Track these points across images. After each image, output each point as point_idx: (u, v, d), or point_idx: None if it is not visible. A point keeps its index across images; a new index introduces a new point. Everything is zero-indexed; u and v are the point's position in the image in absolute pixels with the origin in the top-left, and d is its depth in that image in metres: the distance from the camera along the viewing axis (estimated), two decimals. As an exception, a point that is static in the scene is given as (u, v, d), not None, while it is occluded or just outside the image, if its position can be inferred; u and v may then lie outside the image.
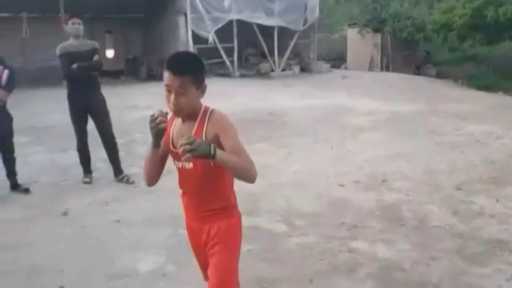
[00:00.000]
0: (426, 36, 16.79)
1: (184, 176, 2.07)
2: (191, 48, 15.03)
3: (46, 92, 12.27)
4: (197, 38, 15.12)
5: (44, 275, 3.33)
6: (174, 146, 2.02)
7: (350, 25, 20.04)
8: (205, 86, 1.99)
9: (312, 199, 4.86)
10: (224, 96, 11.58)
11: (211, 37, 15.14)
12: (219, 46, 15.36)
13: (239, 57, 16.60)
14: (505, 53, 17.71)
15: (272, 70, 16.52)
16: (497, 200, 4.57)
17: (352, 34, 19.67)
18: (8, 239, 3.93)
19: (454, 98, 11.72)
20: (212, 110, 2.00)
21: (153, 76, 15.57)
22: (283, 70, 16.89)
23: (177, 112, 1.96)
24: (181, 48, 15.00)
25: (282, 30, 16.68)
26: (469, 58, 17.67)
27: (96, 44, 5.24)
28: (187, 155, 1.73)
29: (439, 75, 17.09)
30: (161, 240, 3.90)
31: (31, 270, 3.41)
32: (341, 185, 5.26)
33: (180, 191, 2.14)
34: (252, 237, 3.94)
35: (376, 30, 18.76)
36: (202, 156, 1.77)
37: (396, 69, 17.70)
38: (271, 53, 16.53)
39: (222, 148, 1.90)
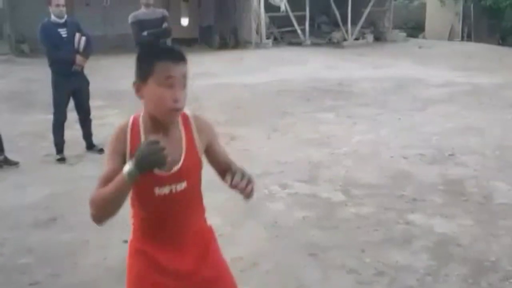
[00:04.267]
0: (513, 3, 15.43)
1: (168, 203, 1.61)
2: (263, 16, 14.97)
3: (124, 58, 12.90)
4: (269, 7, 15.03)
5: (112, 230, 3.62)
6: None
7: (430, -8, 18.88)
8: None
9: (372, 170, 4.81)
10: (293, 64, 11.57)
11: (283, 5, 14.97)
12: (291, 14, 15.16)
13: (311, 26, 16.29)
14: None
15: (345, 39, 16.07)
16: None
17: (432, 1, 18.53)
18: (83, 195, 4.30)
19: (542, 71, 10.78)
20: (193, 114, 1.67)
21: (226, 45, 15.77)
22: (356, 39, 16.36)
23: (178, 112, 1.56)
24: (253, 17, 15.02)
25: (357, -3, 16.09)
26: None
27: (165, 12, 5.46)
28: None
29: (527, 46, 15.72)
30: (219, 203, 4.06)
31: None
32: (404, 158, 5.14)
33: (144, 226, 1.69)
34: (309, 204, 4.01)
35: (458, -3, 17.53)
36: None
37: (479, 39, 16.51)
38: (344, 21, 16.03)
39: (210, 156, 1.70)
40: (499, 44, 16.20)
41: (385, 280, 2.84)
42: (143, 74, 1.54)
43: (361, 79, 9.78)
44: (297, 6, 15.25)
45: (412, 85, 9.20)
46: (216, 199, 4.11)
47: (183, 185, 1.60)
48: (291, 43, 15.55)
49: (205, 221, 1.80)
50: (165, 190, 1.59)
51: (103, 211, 1.51)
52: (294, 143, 5.81)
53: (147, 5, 5.34)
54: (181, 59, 1.55)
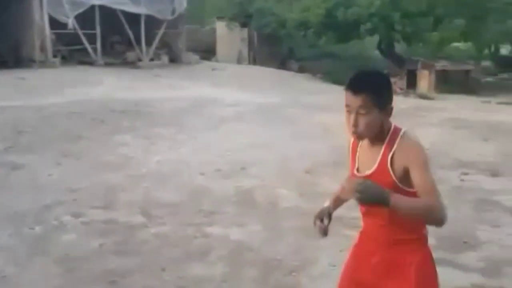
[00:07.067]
0: (288, 32, 17.72)
1: (369, 208, 1.79)
2: (48, 33, 13.88)
3: None
4: (55, 23, 14.00)
5: None
6: (358, 171, 1.82)
7: (218, 18, 20.31)
8: (391, 108, 1.74)
9: (172, 188, 4.87)
10: (86, 85, 10.98)
11: (71, 22, 14.14)
12: (80, 32, 14.42)
13: (104, 45, 15.77)
14: (358, 52, 19.76)
15: (140, 60, 16.03)
16: (338, 181, 5.07)
17: (221, 27, 19.96)
18: None
19: (311, 91, 12.64)
20: (404, 133, 1.73)
21: (5, 63, 14.01)
22: (151, 59, 16.48)
23: (357, 135, 1.74)
24: (36, 33, 13.77)
25: (150, 19, 16.23)
26: (326, 54, 19.15)
27: None
28: (356, 198, 1.57)
29: (301, 70, 18.22)
30: (1, 240, 3.58)
31: None
32: (201, 174, 5.35)
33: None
34: (106, 231, 3.83)
35: (243, 25, 19.28)
36: (372, 202, 1.60)
37: (262, 63, 18.43)
38: (138, 41, 16.00)
39: (410, 180, 1.69)
40: (279, 68, 18.37)
41: (185, 294, 2.89)
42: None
43: (158, 100, 9.88)
44: (87, 23, 14.60)
45: (207, 105, 9.70)
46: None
47: None
48: (82, 62, 14.76)
49: (414, 241, 1.79)
50: None
51: None
52: (89, 167, 5.50)
53: None
54: (357, 91, 1.69)
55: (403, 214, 1.63)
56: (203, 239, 3.69)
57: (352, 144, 1.87)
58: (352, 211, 4.17)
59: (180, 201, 4.54)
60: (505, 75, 20.45)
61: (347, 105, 1.71)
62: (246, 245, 3.57)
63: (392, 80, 13.79)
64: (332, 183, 5.02)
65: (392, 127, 1.76)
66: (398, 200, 1.59)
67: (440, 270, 3.13)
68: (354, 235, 3.73)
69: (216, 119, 8.45)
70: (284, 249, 3.50)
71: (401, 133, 1.73)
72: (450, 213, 3.87)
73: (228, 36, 19.56)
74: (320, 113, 9.16)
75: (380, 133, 1.74)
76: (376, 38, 17.64)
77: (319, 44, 18.26)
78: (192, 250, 3.51)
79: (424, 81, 14.59)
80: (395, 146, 1.71)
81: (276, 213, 4.26)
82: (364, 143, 1.81)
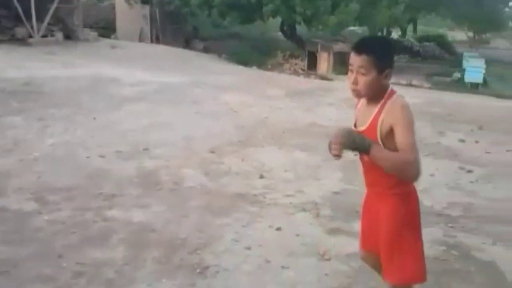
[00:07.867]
0: (192, 11, 17.36)
1: (364, 159, 2.02)
2: None
3: None
4: None
5: None
6: (356, 126, 2.02)
7: (117, -7, 19.29)
8: (389, 72, 1.91)
9: (68, 172, 4.61)
10: (-34, 63, 9.88)
11: None
12: (-42, 3, 12.88)
13: (-13, 19, 14.28)
14: (260, 33, 20.02)
15: (30, 36, 14.75)
16: (242, 160, 5.16)
17: (120, 2, 18.98)
18: None
19: (217, 71, 12.59)
20: (396, 97, 1.92)
21: None
22: (44, 36, 15.23)
23: (355, 93, 1.93)
24: None
25: (41, -8, 14.96)
26: (231, 35, 19.15)
27: None
28: (340, 142, 1.80)
29: (206, 50, 18.02)
30: None
31: None
32: (101, 156, 5.12)
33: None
34: (-6, 220, 3.53)
35: (144, 1, 18.53)
36: (353, 148, 1.84)
37: (166, 42, 17.91)
38: (28, 16, 14.68)
39: (393, 141, 1.87)
40: (184, 47, 18.00)
41: (84, 280, 2.77)
42: None
43: (53, 79, 9.20)
44: (-34, -6, 13.08)
45: (106, 85, 9.23)
46: None
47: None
48: (-38, 38, 13.26)
49: (398, 195, 1.98)
50: None
51: None
52: (-27, 152, 5.01)
53: None
54: (360, 52, 1.88)
55: (381, 164, 1.85)
56: (103, 223, 3.55)
57: (356, 103, 2.12)
58: (254, 189, 4.31)
59: (77, 185, 4.31)
60: (394, 58, 22.10)
61: (350, 64, 1.92)
62: (149, 226, 3.50)
63: (294, 61, 14.25)
64: (237, 162, 5.12)
65: (389, 91, 1.95)
66: (378, 150, 1.84)
67: (336, 239, 3.35)
68: (256, 211, 3.87)
69: (117, 99, 8.09)
70: (188, 228, 3.49)
71: (394, 97, 1.93)
72: (346, 186, 4.12)
73: (128, 12, 18.67)
74: (224, 93, 9.18)
75: (377, 95, 1.93)
76: (278, 19, 17.99)
77: (223, 24, 18.18)
78: (91, 235, 3.37)
79: (324, 62, 15.27)
80: (385, 108, 1.91)
81: (181, 192, 4.23)
82: (364, 102, 2.03)
